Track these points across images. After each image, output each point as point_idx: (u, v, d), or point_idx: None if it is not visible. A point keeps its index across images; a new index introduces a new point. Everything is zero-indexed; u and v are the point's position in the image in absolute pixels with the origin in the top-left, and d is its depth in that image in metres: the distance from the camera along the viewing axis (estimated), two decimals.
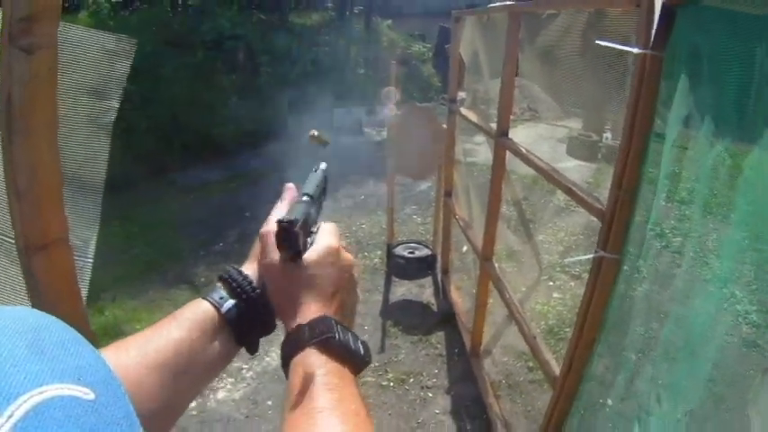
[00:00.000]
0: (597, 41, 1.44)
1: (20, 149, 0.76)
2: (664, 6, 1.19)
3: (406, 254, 4.30)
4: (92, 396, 0.31)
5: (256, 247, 0.67)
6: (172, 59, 8.42)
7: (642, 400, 1.30)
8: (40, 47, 0.79)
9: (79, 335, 0.36)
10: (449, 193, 3.97)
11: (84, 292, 1.03)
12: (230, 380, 3.26)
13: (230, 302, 0.61)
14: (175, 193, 6.70)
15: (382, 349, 3.60)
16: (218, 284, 0.63)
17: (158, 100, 7.71)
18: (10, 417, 0.27)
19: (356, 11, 12.86)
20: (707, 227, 1.18)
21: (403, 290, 4.38)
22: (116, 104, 1.17)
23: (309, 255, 0.61)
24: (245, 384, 3.24)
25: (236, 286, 0.62)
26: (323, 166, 0.75)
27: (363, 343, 0.58)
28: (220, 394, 3.15)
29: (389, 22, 13.11)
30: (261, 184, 6.76)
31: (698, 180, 1.13)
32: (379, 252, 4.97)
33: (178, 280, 4.61)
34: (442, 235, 4.26)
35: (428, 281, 4.44)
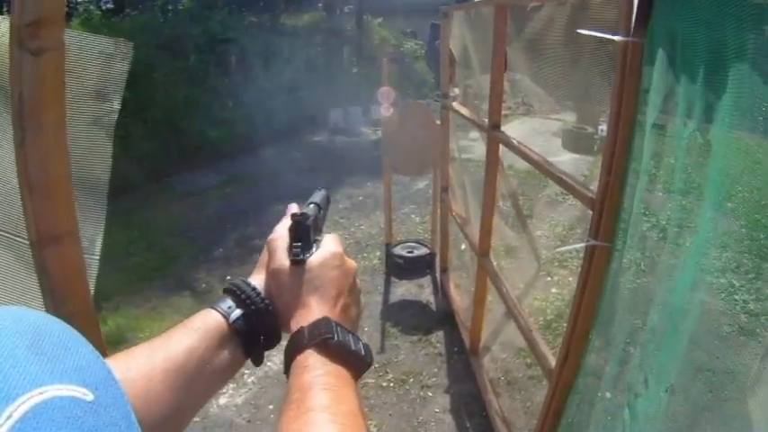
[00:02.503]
0: (578, 31, 1.42)
1: (31, 146, 0.79)
2: None
3: (404, 253, 4.31)
4: (91, 397, 0.31)
5: (264, 256, 0.69)
6: (165, 64, 8.42)
7: (633, 387, 1.31)
8: (48, 49, 0.82)
9: (79, 334, 0.36)
10: (445, 189, 3.99)
11: (92, 289, 1.06)
12: (232, 385, 3.25)
13: (237, 312, 0.62)
14: (173, 197, 6.70)
15: (382, 350, 3.61)
16: (225, 296, 0.64)
17: (153, 105, 7.71)
18: (9, 417, 0.27)
19: (347, 10, 12.88)
20: (700, 215, 1.16)
21: (402, 290, 4.38)
22: (117, 106, 1.19)
23: (314, 258, 0.64)
24: (246, 389, 3.25)
25: (244, 297, 0.63)
26: (324, 191, 0.80)
27: (365, 345, 0.59)
28: (222, 399, 3.15)
29: (380, 20, 13.11)
30: (258, 188, 6.77)
31: (680, 166, 1.12)
32: (378, 253, 4.97)
33: (179, 286, 4.61)
34: (440, 233, 4.26)
35: (427, 280, 4.45)
